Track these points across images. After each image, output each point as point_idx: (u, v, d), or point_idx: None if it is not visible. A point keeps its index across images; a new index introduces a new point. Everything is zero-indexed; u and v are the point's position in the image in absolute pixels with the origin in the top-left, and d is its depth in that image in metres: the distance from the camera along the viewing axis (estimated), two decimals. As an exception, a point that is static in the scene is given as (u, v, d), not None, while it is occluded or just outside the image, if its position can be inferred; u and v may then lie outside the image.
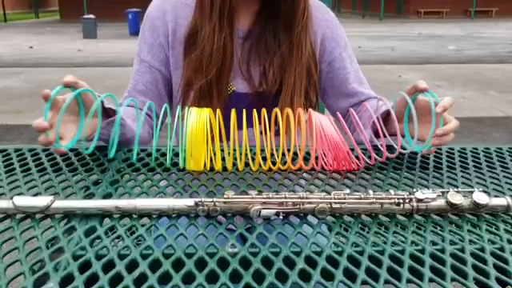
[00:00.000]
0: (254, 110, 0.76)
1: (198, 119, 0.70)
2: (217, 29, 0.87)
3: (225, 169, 0.74)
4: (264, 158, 0.75)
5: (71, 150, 0.80)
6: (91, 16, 12.83)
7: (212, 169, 0.74)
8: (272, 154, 0.77)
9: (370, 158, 0.76)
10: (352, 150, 0.75)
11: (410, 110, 0.73)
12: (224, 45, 0.88)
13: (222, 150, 0.73)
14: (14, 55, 9.04)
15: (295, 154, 0.75)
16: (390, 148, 0.78)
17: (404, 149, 0.78)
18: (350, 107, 0.97)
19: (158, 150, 0.81)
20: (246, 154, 0.74)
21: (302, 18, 0.90)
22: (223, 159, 0.74)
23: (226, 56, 0.88)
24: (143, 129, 0.92)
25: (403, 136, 0.80)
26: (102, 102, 0.74)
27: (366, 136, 0.75)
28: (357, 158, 0.76)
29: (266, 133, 0.74)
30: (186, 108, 0.72)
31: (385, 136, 0.77)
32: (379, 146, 0.77)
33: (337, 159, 0.73)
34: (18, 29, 17.15)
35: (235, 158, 0.74)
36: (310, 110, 0.73)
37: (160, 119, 0.75)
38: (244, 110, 0.73)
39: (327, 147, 0.72)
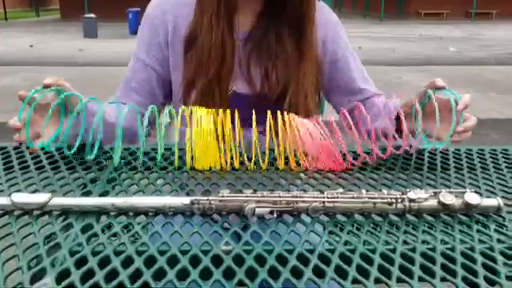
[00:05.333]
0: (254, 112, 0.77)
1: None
2: (214, 24, 0.87)
3: (221, 168, 0.75)
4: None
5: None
6: (92, 15, 12.83)
7: (209, 168, 0.75)
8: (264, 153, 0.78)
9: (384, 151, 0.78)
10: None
11: (425, 108, 0.74)
12: (222, 41, 0.87)
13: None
14: (14, 54, 9.05)
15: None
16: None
17: (410, 147, 0.79)
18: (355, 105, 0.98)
19: (153, 149, 0.82)
20: (241, 153, 0.75)
21: (311, 20, 0.90)
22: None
23: (224, 53, 0.88)
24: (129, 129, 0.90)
25: (413, 133, 0.80)
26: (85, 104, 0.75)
27: (390, 131, 0.77)
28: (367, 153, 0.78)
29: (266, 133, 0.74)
30: (182, 108, 0.73)
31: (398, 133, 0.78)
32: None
33: (327, 160, 0.74)
34: (19, 27, 17.16)
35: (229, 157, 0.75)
36: (295, 117, 0.74)
37: (145, 124, 0.74)
38: (236, 111, 0.74)
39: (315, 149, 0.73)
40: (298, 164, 0.75)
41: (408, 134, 0.76)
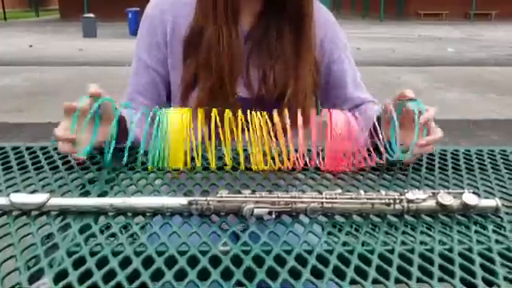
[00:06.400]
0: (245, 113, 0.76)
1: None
2: (223, 29, 0.86)
3: (220, 168, 0.75)
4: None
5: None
6: (91, 15, 12.82)
7: (206, 168, 0.75)
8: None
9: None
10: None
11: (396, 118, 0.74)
12: (233, 43, 0.87)
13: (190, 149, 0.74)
14: (14, 54, 9.04)
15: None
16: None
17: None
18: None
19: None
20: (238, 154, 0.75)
21: (310, 19, 0.90)
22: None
23: (234, 56, 0.88)
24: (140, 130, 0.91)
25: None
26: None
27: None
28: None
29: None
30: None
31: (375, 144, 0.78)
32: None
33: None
34: (19, 27, 17.14)
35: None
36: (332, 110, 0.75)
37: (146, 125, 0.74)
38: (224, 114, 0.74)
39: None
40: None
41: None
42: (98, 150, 0.78)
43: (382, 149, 0.76)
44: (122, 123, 0.78)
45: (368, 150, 0.76)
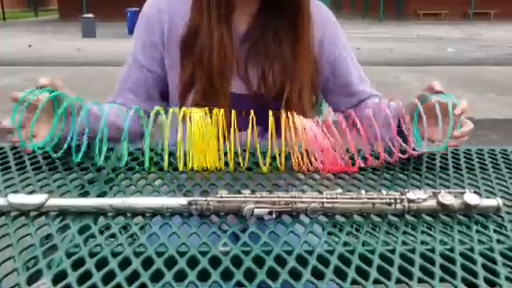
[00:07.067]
0: (252, 112, 0.76)
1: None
2: (215, 26, 0.86)
3: (219, 169, 0.74)
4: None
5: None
6: (90, 15, 12.81)
7: (206, 168, 0.74)
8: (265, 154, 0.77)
9: (377, 158, 0.77)
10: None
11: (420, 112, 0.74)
12: (224, 42, 0.87)
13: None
14: (13, 54, 9.03)
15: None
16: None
17: (414, 150, 0.77)
18: (351, 106, 0.97)
19: (151, 150, 0.81)
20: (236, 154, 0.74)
21: (307, 19, 0.90)
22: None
23: (226, 53, 0.88)
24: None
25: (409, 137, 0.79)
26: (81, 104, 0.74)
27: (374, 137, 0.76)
28: (365, 157, 0.77)
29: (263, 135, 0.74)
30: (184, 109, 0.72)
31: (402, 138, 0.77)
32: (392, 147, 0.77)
33: (327, 162, 0.74)
34: (18, 27, 17.13)
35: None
36: (301, 118, 0.73)
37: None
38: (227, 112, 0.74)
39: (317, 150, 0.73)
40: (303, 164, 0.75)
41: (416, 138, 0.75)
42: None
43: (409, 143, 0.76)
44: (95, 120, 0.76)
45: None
